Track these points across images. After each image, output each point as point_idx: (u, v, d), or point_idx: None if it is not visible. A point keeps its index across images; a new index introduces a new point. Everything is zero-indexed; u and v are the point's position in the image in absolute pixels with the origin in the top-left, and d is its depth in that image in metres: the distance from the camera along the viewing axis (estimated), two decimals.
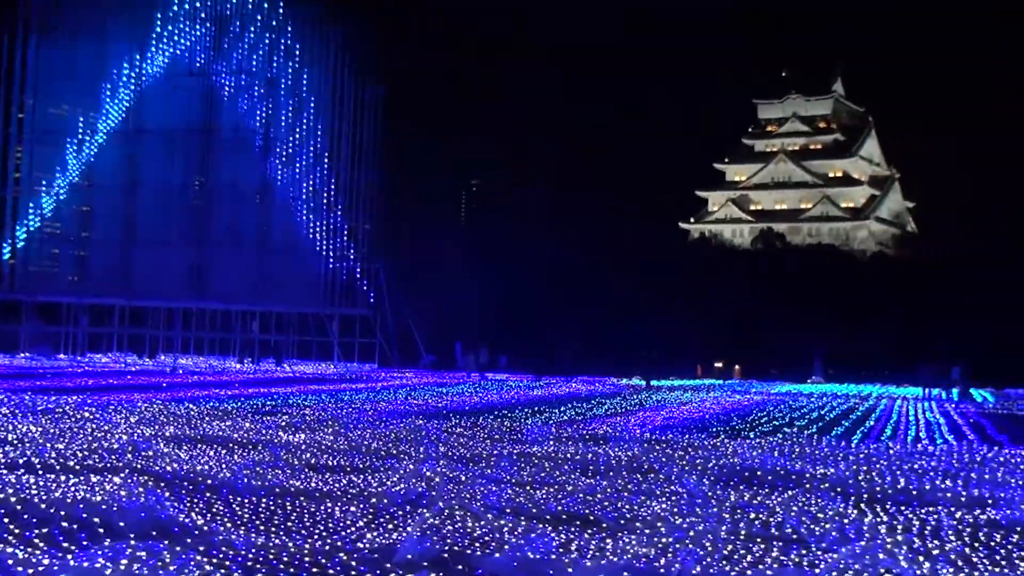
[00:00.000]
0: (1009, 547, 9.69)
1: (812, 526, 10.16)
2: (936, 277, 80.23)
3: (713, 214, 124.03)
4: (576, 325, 74.95)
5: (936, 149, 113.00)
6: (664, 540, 9.08)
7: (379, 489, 11.88)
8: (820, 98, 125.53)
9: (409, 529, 9.36)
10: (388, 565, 8.37)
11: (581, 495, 11.85)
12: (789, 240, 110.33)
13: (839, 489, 12.99)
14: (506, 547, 8.72)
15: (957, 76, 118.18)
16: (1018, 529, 10.61)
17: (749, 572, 8.21)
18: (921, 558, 8.78)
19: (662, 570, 8.09)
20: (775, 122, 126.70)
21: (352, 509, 10.69)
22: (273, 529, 9.74)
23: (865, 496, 12.67)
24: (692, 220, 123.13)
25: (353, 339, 58.52)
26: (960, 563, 8.79)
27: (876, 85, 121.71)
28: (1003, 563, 8.90)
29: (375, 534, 9.45)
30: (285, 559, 8.45)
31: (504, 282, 78.41)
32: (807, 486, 13.18)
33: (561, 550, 8.83)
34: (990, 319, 70.54)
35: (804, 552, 9.10)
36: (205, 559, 7.92)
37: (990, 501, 12.35)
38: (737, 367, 66.02)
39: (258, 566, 8.25)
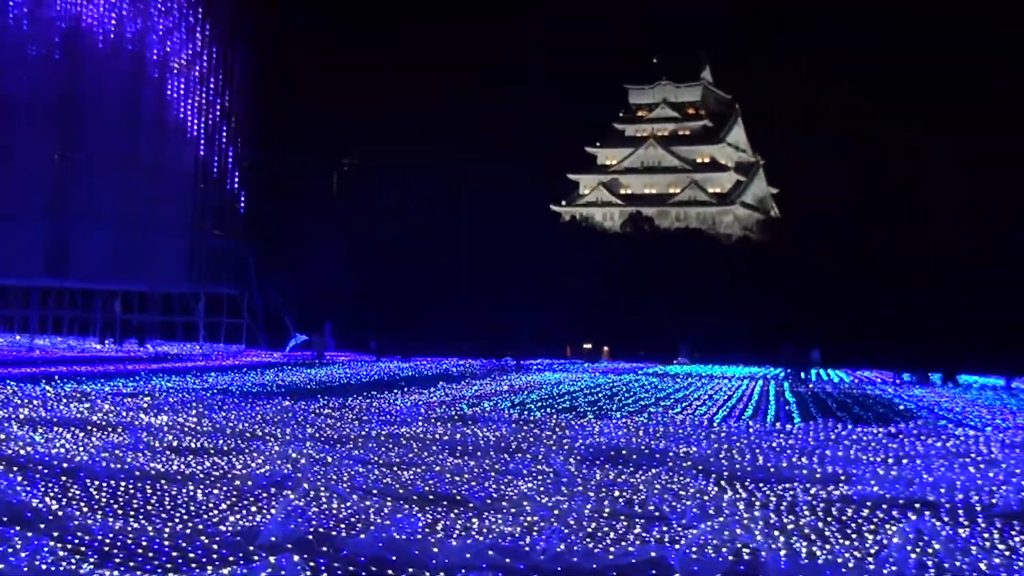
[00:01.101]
0: (859, 521, 10.07)
1: (674, 503, 10.37)
2: (798, 261, 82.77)
3: (584, 197, 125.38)
4: (452, 305, 75.04)
5: (799, 136, 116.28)
6: (530, 519, 9.17)
7: (243, 471, 11.70)
8: (689, 85, 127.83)
9: (273, 511, 9.24)
10: (251, 548, 8.25)
11: (448, 475, 11.88)
12: (658, 224, 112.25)
13: (701, 467, 13.30)
14: (372, 528, 8.68)
15: (821, 66, 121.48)
16: (868, 504, 11.03)
17: (612, 549, 8.34)
18: (776, 532, 9.05)
19: (527, 548, 8.16)
20: (646, 107, 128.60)
21: (215, 492, 10.50)
22: (132, 513, 9.50)
23: (725, 474, 13.00)
24: (564, 203, 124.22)
25: (220, 319, 57.37)
26: (813, 537, 9.10)
27: (743, 73, 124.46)
28: (853, 536, 9.24)
29: (238, 517, 9.31)
30: (144, 543, 8.25)
31: (379, 262, 77.99)
32: (670, 464, 13.47)
33: (427, 530, 8.84)
34: (847, 301, 73.16)
35: (665, 529, 9.29)
36: (59, 545, 7.68)
37: (843, 477, 12.80)
38: (606, 348, 66.97)
39: (115, 551, 8.04)
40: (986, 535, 9.42)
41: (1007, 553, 8.65)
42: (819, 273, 79.15)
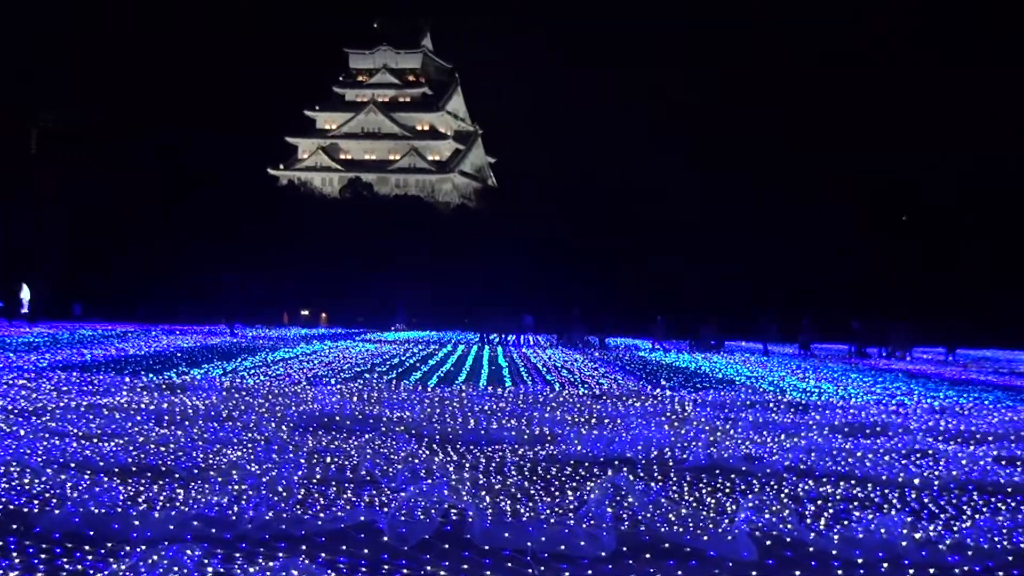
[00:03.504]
0: (562, 479, 10.51)
1: (386, 467, 10.46)
2: (511, 229, 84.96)
3: (303, 162, 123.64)
4: (166, 271, 72.27)
5: (514, 107, 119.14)
6: (238, 488, 9.00)
7: None
8: (410, 52, 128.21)
9: None
10: None
11: (153, 446, 11.48)
12: (377, 190, 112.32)
13: (413, 431, 13.47)
14: (68, 503, 8.26)
15: (538, 37, 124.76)
16: (571, 462, 11.53)
17: (322, 514, 8.32)
18: (483, 492, 9.31)
19: (234, 517, 8.01)
20: (366, 72, 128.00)
21: None
22: None
23: (437, 437, 13.22)
24: (281, 167, 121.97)
25: None
26: (519, 495, 9.42)
27: (463, 42, 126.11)
28: (556, 493, 9.64)
29: None
30: None
31: (90, 225, 73.98)
32: (383, 429, 13.55)
33: (128, 503, 8.51)
34: (559, 268, 75.93)
35: (376, 493, 9.36)
36: None
37: (549, 438, 13.30)
38: (324, 315, 66.53)
39: None
40: (675, 488, 10.07)
41: (694, 504, 9.27)
42: (533, 241, 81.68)
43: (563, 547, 7.50)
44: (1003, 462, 12.23)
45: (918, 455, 12.57)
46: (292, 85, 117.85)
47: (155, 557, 6.66)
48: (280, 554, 7.17)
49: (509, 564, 7.18)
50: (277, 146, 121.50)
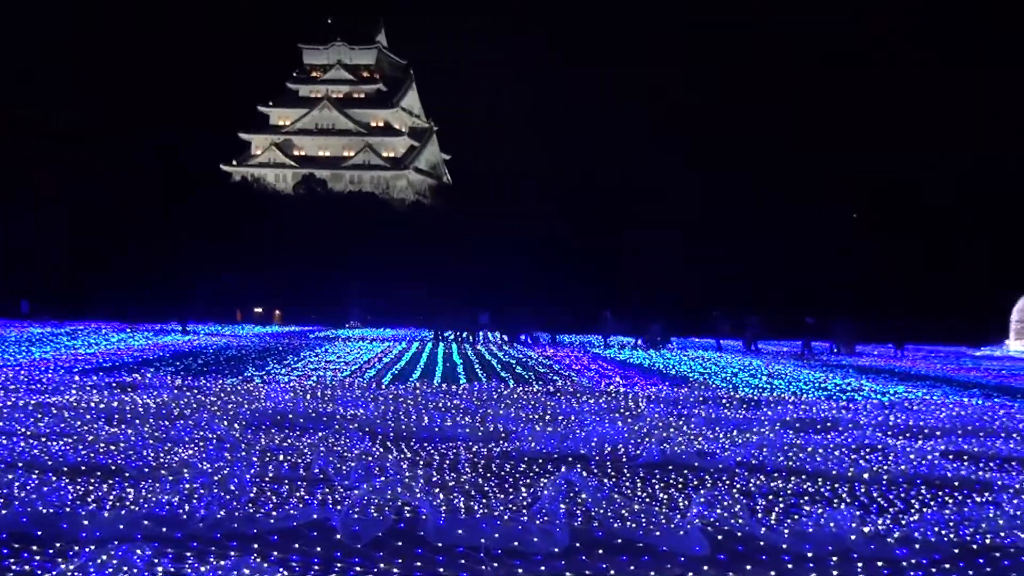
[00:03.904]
0: (516, 475, 10.52)
1: (339, 465, 10.41)
2: (467, 227, 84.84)
3: (256, 158, 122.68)
4: (115, 268, 71.42)
5: (468, 104, 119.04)
6: (189, 486, 8.92)
7: None
8: (364, 48, 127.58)
9: None
10: None
11: (103, 445, 11.35)
12: (331, 187, 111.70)
13: (367, 429, 13.42)
14: (16, 503, 8.15)
15: (493, 38, 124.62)
16: (525, 459, 11.55)
17: (274, 513, 8.28)
18: (437, 489, 9.31)
19: (185, 516, 7.95)
20: (320, 68, 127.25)
21: None
22: None
23: (392, 434, 13.19)
24: (235, 163, 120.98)
25: None
26: (472, 492, 9.42)
27: (418, 39, 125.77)
28: (510, 489, 9.65)
29: None
30: None
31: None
32: (337, 427, 13.49)
33: (78, 502, 8.41)
34: (510, 266, 75.87)
35: (329, 491, 9.32)
36: None
37: (503, 435, 13.31)
38: (278, 312, 66.16)
39: None
40: (629, 484, 10.12)
41: (647, 500, 9.32)
42: (489, 238, 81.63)
43: (517, 543, 7.52)
44: (950, 456, 12.41)
45: (867, 450, 12.73)
46: (246, 81, 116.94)
47: (104, 557, 6.60)
48: (232, 553, 7.12)
49: (463, 561, 7.18)
50: (231, 141, 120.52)
